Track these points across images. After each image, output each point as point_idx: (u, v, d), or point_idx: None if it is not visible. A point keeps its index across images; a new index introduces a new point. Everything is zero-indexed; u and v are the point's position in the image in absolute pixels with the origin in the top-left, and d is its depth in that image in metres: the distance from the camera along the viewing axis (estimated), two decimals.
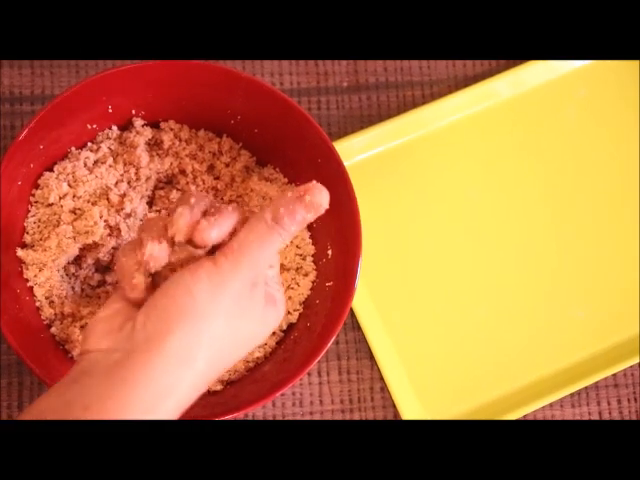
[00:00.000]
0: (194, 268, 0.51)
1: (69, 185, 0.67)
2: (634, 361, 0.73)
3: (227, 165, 0.71)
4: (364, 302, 0.73)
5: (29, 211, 0.67)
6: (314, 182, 0.53)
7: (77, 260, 0.67)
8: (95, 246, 0.66)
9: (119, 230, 0.66)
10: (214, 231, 0.53)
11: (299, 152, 0.69)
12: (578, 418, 0.74)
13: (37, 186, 0.67)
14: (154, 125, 0.70)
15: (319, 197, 0.52)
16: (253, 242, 0.52)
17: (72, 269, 0.67)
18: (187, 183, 0.69)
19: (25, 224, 0.67)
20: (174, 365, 0.49)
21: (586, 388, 0.74)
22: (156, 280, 0.55)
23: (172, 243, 0.54)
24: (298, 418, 0.72)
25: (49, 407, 0.49)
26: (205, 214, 0.54)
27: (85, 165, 0.67)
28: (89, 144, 0.69)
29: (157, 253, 0.53)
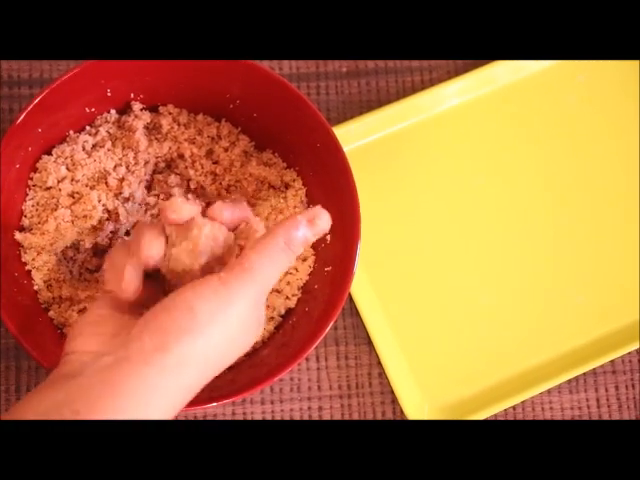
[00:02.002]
0: (199, 284, 0.51)
1: (67, 169, 0.66)
2: (632, 347, 0.73)
3: (226, 150, 0.70)
4: (363, 288, 0.73)
5: (27, 194, 0.67)
6: (319, 207, 0.54)
7: (75, 244, 0.67)
8: (93, 230, 0.66)
9: (117, 214, 0.66)
10: (227, 211, 0.54)
11: (298, 137, 0.68)
12: (576, 404, 0.74)
13: (35, 169, 0.67)
14: (153, 109, 0.70)
15: (326, 222, 0.54)
16: (264, 261, 0.52)
17: (70, 253, 0.67)
18: (186, 167, 0.69)
19: (23, 207, 0.66)
20: (167, 378, 0.49)
21: (584, 374, 0.74)
22: (153, 285, 0.55)
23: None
24: (296, 404, 0.72)
25: (36, 409, 0.48)
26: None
27: (83, 149, 0.67)
28: (87, 128, 0.69)
29: (153, 244, 0.53)
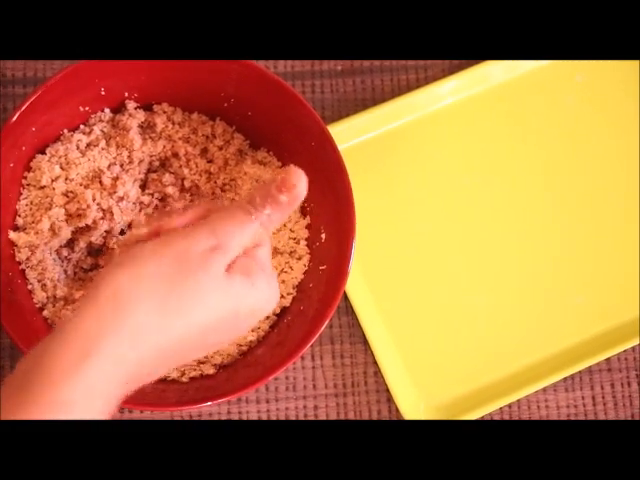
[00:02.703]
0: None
1: (61, 168, 0.66)
2: (628, 345, 0.73)
3: (220, 148, 0.70)
4: (358, 286, 0.73)
5: (21, 194, 0.67)
6: (291, 165, 0.52)
7: (70, 243, 0.67)
8: (87, 229, 0.66)
9: (112, 213, 0.66)
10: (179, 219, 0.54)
11: (293, 135, 0.68)
12: (572, 402, 0.74)
13: (29, 169, 0.67)
14: (147, 108, 0.70)
15: (293, 178, 0.52)
16: (218, 216, 0.51)
17: (64, 252, 0.67)
18: (180, 166, 0.69)
19: (17, 207, 0.66)
20: (106, 318, 0.47)
21: (580, 372, 0.74)
22: None
23: None
24: (292, 403, 0.72)
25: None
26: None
27: (77, 148, 0.67)
28: (82, 127, 0.69)
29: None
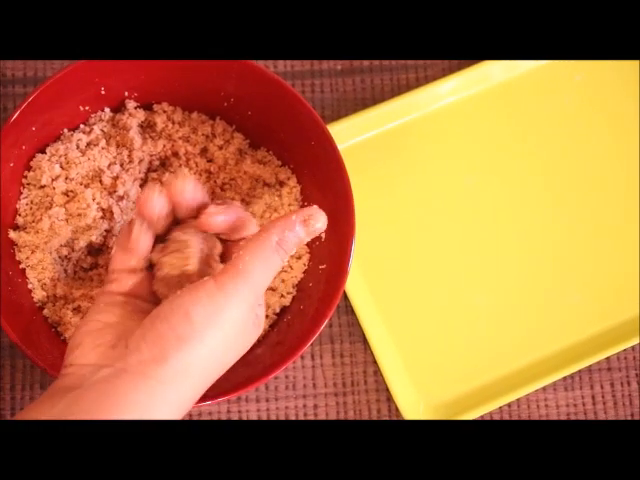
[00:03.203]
0: (194, 289, 0.51)
1: (61, 167, 0.66)
2: (628, 344, 0.73)
3: (220, 148, 0.70)
4: (358, 285, 0.73)
5: (21, 193, 0.67)
6: (316, 207, 0.54)
7: (69, 242, 0.67)
8: (88, 229, 0.66)
9: (112, 213, 0.66)
10: (220, 217, 0.54)
11: (293, 135, 0.68)
12: (571, 402, 0.74)
13: (29, 168, 0.67)
14: (147, 107, 0.70)
15: (322, 223, 0.54)
16: (258, 263, 0.51)
17: (64, 251, 0.67)
18: (180, 166, 0.69)
19: (17, 206, 0.66)
20: (166, 389, 0.49)
21: (579, 372, 0.74)
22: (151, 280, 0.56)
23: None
24: (291, 402, 0.72)
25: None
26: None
27: (77, 147, 0.67)
28: (81, 126, 0.69)
29: (153, 197, 0.54)
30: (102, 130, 0.68)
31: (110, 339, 0.52)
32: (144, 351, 0.49)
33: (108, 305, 0.55)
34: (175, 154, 0.69)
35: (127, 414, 0.47)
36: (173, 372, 0.49)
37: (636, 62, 0.80)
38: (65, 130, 0.68)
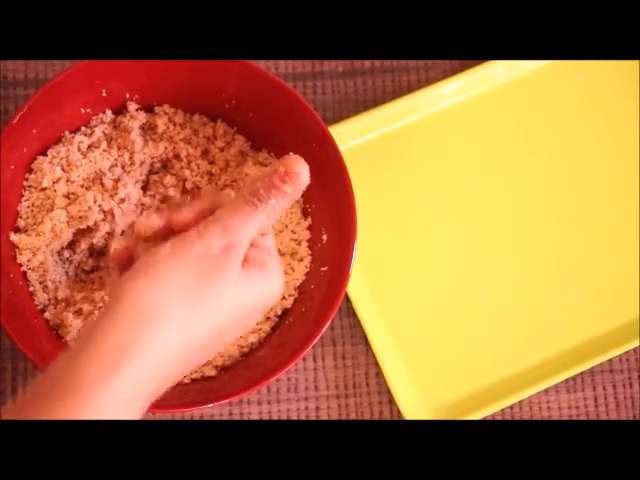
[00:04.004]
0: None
1: (63, 169, 0.66)
2: (630, 346, 0.73)
3: (222, 150, 0.70)
4: (359, 287, 0.73)
5: (22, 195, 0.67)
6: (291, 154, 0.53)
7: (71, 245, 0.67)
8: (89, 231, 0.66)
9: (113, 215, 0.66)
10: (187, 211, 0.54)
11: (294, 137, 0.68)
12: (573, 403, 0.74)
13: (30, 170, 0.67)
14: (148, 109, 0.70)
15: (293, 167, 0.52)
16: (226, 212, 0.52)
17: (66, 254, 0.67)
18: (181, 168, 0.69)
19: (19, 208, 0.66)
20: (133, 327, 0.47)
21: (581, 373, 0.74)
22: None
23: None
24: (293, 404, 0.72)
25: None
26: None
27: (79, 149, 0.67)
28: (83, 128, 0.69)
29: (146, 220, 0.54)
30: (103, 132, 0.68)
31: None
32: (92, 371, 0.47)
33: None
34: (176, 156, 0.69)
35: (102, 341, 0.47)
36: (138, 301, 0.48)
37: (636, 62, 0.80)
38: (66, 132, 0.68)
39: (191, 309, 0.49)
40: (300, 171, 0.53)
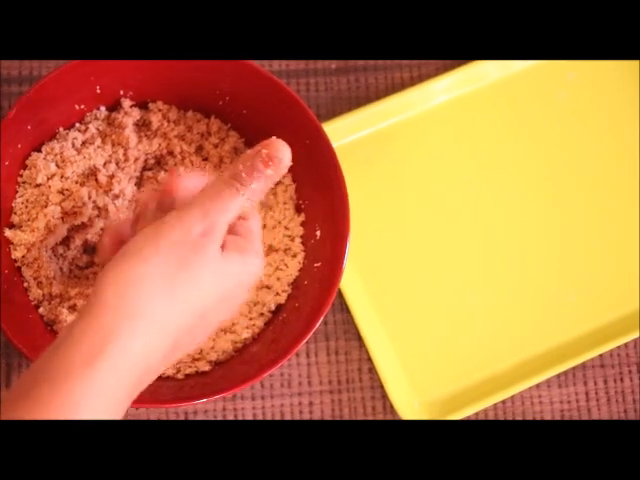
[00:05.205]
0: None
1: (57, 166, 0.66)
2: (621, 341, 0.73)
3: (216, 146, 0.71)
4: (353, 283, 0.73)
5: (17, 192, 0.67)
6: (273, 137, 0.53)
7: (65, 241, 0.67)
8: (83, 227, 0.66)
9: (107, 211, 0.66)
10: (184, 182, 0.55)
11: (287, 133, 0.68)
12: (565, 398, 0.74)
13: (25, 166, 0.67)
14: (142, 106, 0.70)
15: (276, 150, 0.52)
16: (206, 195, 0.51)
17: (60, 250, 0.67)
18: (175, 164, 0.69)
19: (13, 205, 0.66)
20: (116, 315, 0.47)
21: (573, 368, 0.74)
22: None
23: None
24: (287, 399, 0.72)
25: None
26: None
27: (73, 146, 0.67)
28: (77, 125, 0.69)
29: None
30: (97, 129, 0.68)
31: None
32: (76, 357, 0.47)
33: None
34: (170, 153, 0.70)
35: (79, 346, 0.46)
36: (115, 292, 0.48)
37: (630, 61, 0.80)
38: (61, 129, 0.68)
39: (171, 292, 0.49)
40: (283, 155, 0.53)
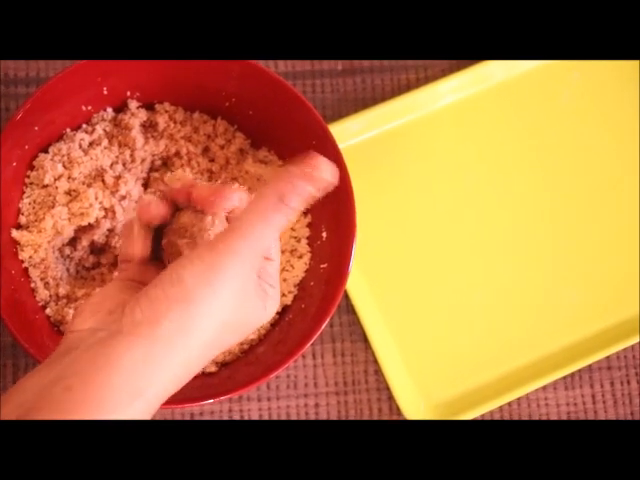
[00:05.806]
0: (186, 254, 0.50)
1: (64, 166, 0.67)
2: (628, 343, 0.73)
3: (222, 147, 0.71)
4: (359, 285, 0.73)
5: (24, 192, 0.67)
6: (316, 154, 0.50)
7: (72, 242, 0.67)
8: (90, 228, 0.66)
9: (114, 212, 0.66)
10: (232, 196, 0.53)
11: (294, 135, 0.69)
12: (571, 400, 0.74)
13: (32, 167, 0.67)
14: (149, 107, 0.70)
15: (326, 172, 0.50)
16: (255, 221, 0.49)
17: (67, 251, 0.67)
18: (182, 165, 0.69)
19: (20, 205, 0.67)
20: (161, 350, 0.48)
21: (579, 371, 0.74)
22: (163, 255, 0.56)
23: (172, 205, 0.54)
24: (293, 401, 0.72)
25: (31, 386, 0.47)
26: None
27: (80, 147, 0.67)
28: (84, 126, 0.69)
29: (150, 203, 0.53)
30: (104, 130, 0.69)
31: (109, 306, 0.51)
32: (137, 314, 0.48)
33: (114, 283, 0.55)
34: (177, 154, 0.70)
35: (121, 377, 0.47)
36: (167, 332, 0.47)
37: (634, 61, 0.80)
38: (68, 130, 0.68)
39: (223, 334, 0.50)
40: (331, 177, 0.50)
